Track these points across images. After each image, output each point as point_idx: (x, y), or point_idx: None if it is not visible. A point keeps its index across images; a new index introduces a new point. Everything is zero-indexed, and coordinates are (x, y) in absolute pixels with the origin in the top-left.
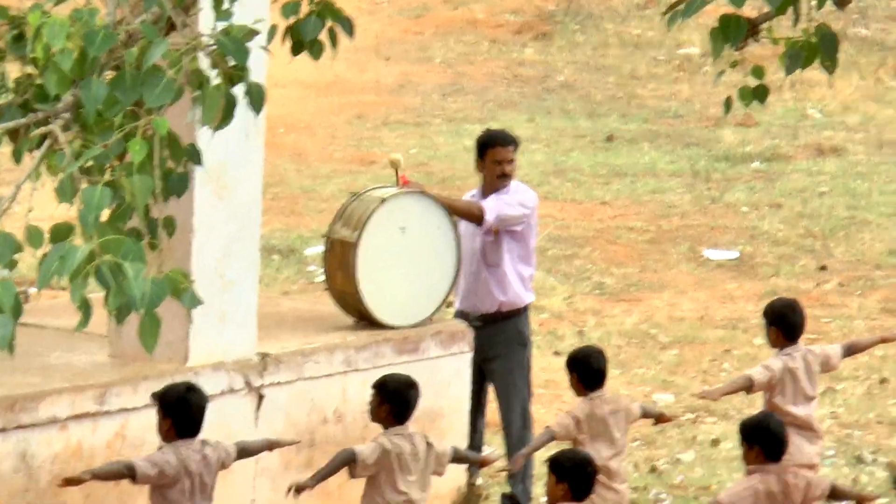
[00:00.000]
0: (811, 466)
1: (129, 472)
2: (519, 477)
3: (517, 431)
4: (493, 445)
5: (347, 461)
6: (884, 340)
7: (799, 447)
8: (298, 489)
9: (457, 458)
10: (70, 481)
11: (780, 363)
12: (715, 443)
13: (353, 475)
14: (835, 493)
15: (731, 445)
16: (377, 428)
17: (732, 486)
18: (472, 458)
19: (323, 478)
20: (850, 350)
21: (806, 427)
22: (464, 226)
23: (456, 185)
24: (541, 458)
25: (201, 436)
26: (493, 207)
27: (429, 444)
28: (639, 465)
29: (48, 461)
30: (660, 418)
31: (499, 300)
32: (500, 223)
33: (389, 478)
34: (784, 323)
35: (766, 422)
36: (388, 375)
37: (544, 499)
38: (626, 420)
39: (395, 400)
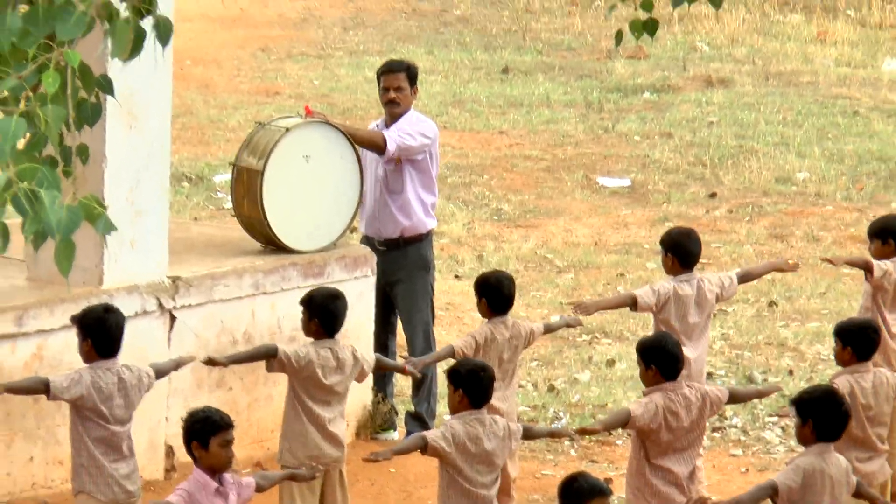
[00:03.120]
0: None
1: (43, 388)
2: (423, 395)
3: (420, 351)
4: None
5: (267, 355)
6: (774, 269)
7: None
8: (211, 362)
9: (380, 366)
10: None
11: (668, 287)
12: (610, 363)
13: (268, 369)
14: (734, 397)
15: (626, 366)
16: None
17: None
18: (393, 366)
19: (237, 361)
20: (745, 278)
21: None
22: (368, 155)
23: (358, 115)
24: (444, 378)
25: (119, 357)
26: (395, 137)
27: (354, 356)
28: (538, 384)
29: None
30: (569, 325)
31: (401, 225)
32: (401, 152)
33: (311, 382)
34: (681, 251)
35: (662, 342)
36: (314, 290)
37: (447, 416)
38: (524, 344)
39: (321, 313)
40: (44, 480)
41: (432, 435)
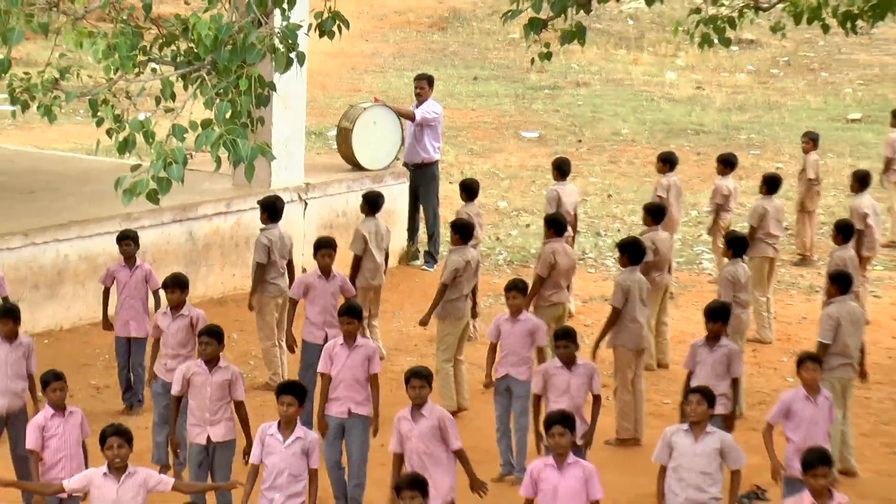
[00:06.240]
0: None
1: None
2: (434, 243)
3: (431, 222)
4: (422, 230)
5: (356, 253)
6: None
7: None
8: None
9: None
10: None
11: (556, 189)
12: (527, 226)
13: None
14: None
15: (536, 228)
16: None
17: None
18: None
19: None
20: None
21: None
22: (407, 122)
23: (401, 101)
24: (444, 236)
25: (281, 223)
26: (420, 113)
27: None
28: (490, 237)
29: (202, 237)
30: None
31: (422, 157)
32: (423, 121)
33: (367, 250)
34: (561, 169)
35: (556, 216)
36: (368, 191)
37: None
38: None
39: (371, 203)
40: (231, 290)
41: (455, 263)
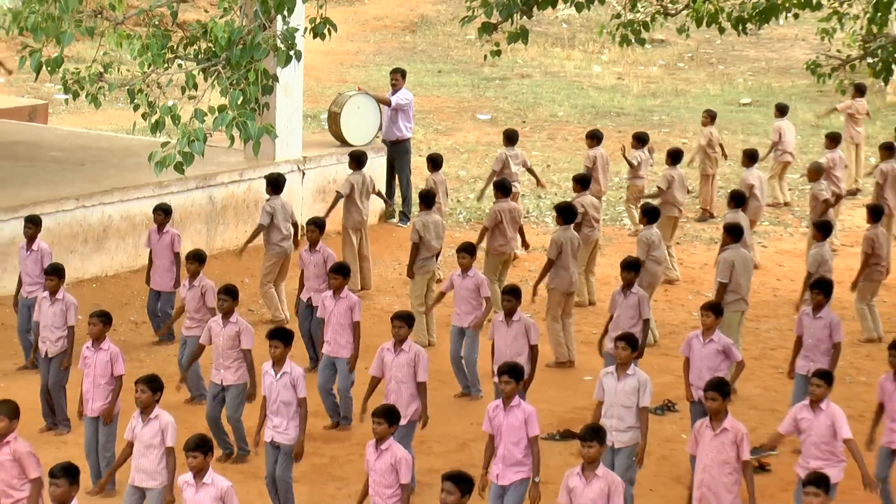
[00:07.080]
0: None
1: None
2: (406, 205)
3: (404, 188)
4: (398, 193)
5: (339, 193)
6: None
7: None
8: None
9: (377, 192)
10: None
11: (504, 153)
12: (480, 197)
13: (337, 198)
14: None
15: (488, 192)
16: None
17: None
18: (384, 198)
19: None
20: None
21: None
22: (384, 107)
23: (380, 90)
24: (415, 199)
25: (283, 195)
26: (395, 99)
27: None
28: (451, 199)
29: (219, 202)
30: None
31: (396, 135)
32: (397, 106)
33: (353, 198)
34: (510, 139)
35: (503, 181)
36: (351, 151)
37: (416, 212)
38: (446, 188)
39: (357, 159)
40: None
41: (416, 225)
